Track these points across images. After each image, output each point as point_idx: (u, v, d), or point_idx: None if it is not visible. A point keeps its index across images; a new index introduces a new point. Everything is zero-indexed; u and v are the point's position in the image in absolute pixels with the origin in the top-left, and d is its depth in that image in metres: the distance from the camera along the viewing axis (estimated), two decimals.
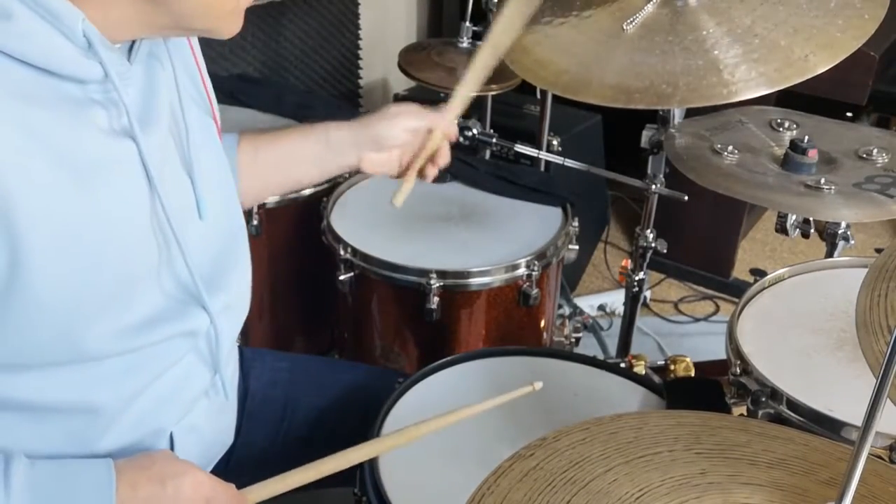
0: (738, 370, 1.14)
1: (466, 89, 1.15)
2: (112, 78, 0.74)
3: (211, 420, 0.97)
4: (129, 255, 0.78)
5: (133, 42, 0.80)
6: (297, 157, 1.13)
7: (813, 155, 1.31)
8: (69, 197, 0.72)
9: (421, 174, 1.14)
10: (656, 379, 1.26)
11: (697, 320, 2.47)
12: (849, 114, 2.23)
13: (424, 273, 1.42)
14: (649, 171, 1.61)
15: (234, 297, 0.95)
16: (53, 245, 0.71)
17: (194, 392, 0.92)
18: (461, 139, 1.85)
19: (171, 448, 0.91)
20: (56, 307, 0.73)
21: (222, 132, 1.01)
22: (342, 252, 1.49)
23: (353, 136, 1.11)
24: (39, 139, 0.69)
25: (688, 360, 1.65)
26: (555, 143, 2.08)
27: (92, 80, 0.74)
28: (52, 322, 0.74)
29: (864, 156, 1.33)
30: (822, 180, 1.25)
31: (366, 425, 1.04)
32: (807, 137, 1.32)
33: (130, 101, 0.77)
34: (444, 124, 1.12)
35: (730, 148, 1.34)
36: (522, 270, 1.46)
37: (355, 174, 1.64)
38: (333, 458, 0.89)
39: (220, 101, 1.88)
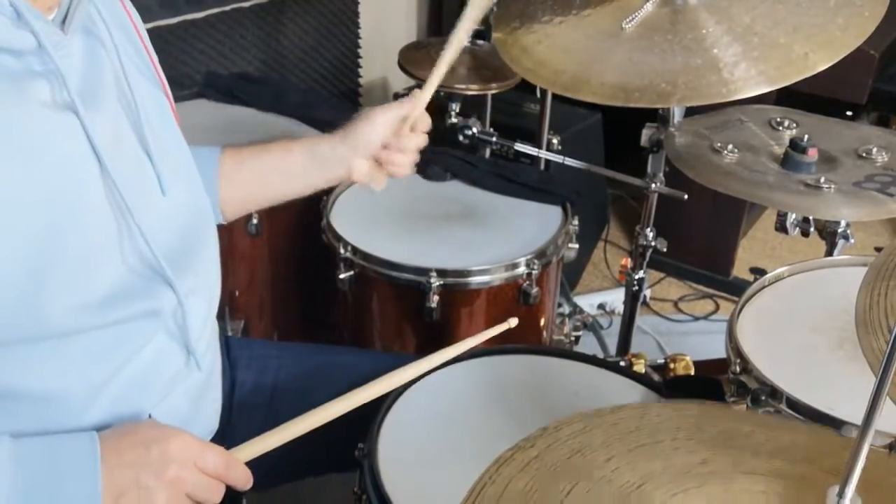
0: (738, 369, 1.14)
1: (434, 79, 1.15)
2: (45, 46, 0.74)
3: (192, 403, 0.96)
4: (85, 229, 0.78)
5: (66, 15, 0.80)
6: (282, 170, 1.15)
7: (813, 154, 1.32)
8: (12, 170, 0.72)
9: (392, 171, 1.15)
10: (656, 377, 1.27)
11: (697, 319, 2.47)
12: (848, 112, 2.23)
13: (424, 272, 1.42)
14: (649, 170, 1.61)
15: (202, 277, 0.95)
16: (1, 217, 0.71)
17: (169, 374, 0.92)
18: (461, 138, 1.85)
19: None
20: (12, 280, 0.73)
21: (215, 134, 1.01)
22: (342, 251, 1.49)
23: (339, 148, 1.13)
24: None
25: (688, 358, 1.65)
26: (555, 141, 2.08)
27: (25, 50, 0.74)
28: (11, 295, 0.73)
29: (864, 154, 1.33)
30: (822, 179, 1.25)
31: (359, 412, 1.04)
32: (806, 136, 1.33)
33: (69, 73, 0.77)
34: (416, 111, 1.13)
35: (730, 147, 1.34)
36: (522, 269, 1.46)
37: None
38: (321, 409, 0.89)
39: (220, 99, 1.91)
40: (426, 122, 1.16)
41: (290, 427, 0.88)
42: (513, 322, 1.01)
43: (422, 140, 1.15)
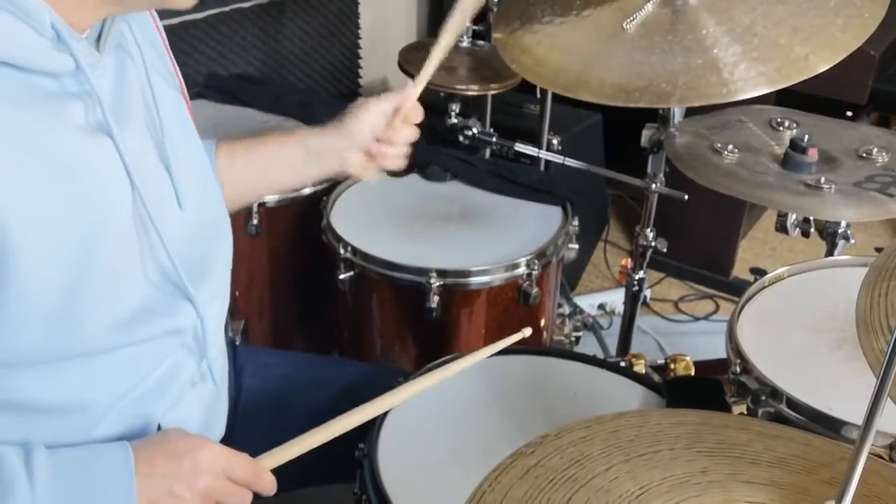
0: (738, 369, 1.14)
1: (427, 71, 1.15)
2: (84, 68, 0.74)
3: (201, 411, 0.97)
4: (114, 249, 0.79)
5: (100, 34, 0.80)
6: (275, 164, 1.15)
7: (813, 154, 1.32)
8: (52, 193, 0.72)
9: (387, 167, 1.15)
10: (656, 378, 1.26)
11: (697, 319, 2.47)
12: (849, 113, 2.23)
13: (424, 272, 1.42)
14: (649, 171, 1.61)
15: (218, 284, 0.96)
16: (40, 241, 0.71)
17: (181, 383, 0.93)
18: (461, 138, 1.85)
19: None
20: (47, 302, 0.73)
21: (216, 134, 1.01)
22: (342, 251, 1.49)
23: (331, 142, 1.13)
24: (20, 137, 0.69)
25: (688, 358, 1.65)
26: (555, 142, 2.08)
27: (64, 72, 0.74)
28: (45, 317, 0.74)
29: (864, 155, 1.34)
30: (822, 179, 1.25)
31: (363, 424, 1.04)
32: (807, 136, 1.33)
33: (104, 94, 0.77)
34: (408, 103, 1.13)
35: (730, 147, 1.34)
36: (522, 269, 1.46)
37: None
38: (341, 418, 0.90)
39: (220, 100, 1.91)
40: (418, 113, 1.15)
41: (311, 437, 0.89)
42: (527, 332, 1.01)
43: (413, 132, 1.15)
